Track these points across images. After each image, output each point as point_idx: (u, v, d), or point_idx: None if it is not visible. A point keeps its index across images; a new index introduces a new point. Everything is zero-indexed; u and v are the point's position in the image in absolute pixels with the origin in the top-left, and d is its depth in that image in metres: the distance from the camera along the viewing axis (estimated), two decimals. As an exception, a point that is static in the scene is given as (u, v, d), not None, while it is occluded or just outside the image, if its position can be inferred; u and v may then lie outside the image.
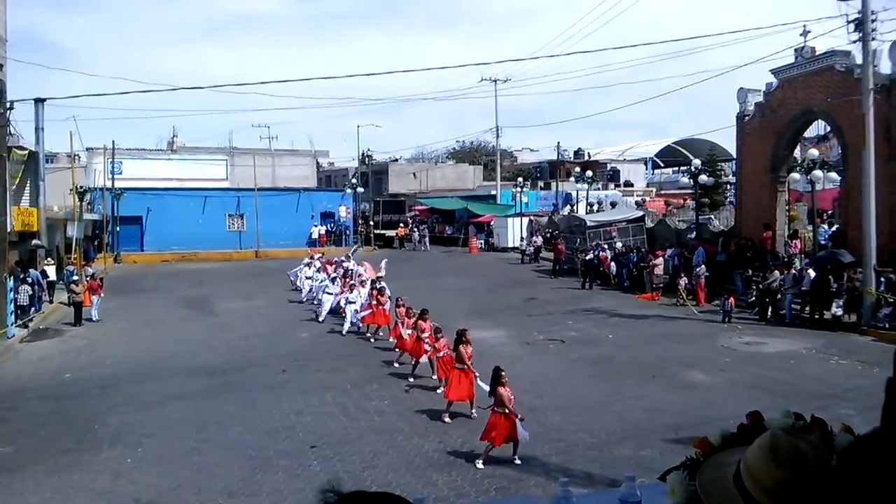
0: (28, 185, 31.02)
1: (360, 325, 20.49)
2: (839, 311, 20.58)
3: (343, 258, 28.68)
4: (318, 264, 28.09)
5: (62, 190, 37.22)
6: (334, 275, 25.46)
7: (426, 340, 15.14)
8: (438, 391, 14.19)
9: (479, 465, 10.23)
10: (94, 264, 34.34)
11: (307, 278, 27.43)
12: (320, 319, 22.67)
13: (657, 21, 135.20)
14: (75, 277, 24.65)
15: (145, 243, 47.46)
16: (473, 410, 12.49)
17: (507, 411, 10.37)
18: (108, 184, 45.54)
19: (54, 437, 12.10)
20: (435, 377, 14.73)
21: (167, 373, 16.55)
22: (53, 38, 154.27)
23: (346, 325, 20.65)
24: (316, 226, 51.05)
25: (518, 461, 10.33)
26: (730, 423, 2.32)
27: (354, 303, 20.84)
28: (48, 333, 22.18)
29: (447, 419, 12.44)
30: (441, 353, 14.28)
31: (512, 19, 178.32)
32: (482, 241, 48.51)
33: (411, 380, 15.07)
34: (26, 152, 29.22)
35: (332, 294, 23.15)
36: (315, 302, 24.95)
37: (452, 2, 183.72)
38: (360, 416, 13.00)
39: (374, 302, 19.88)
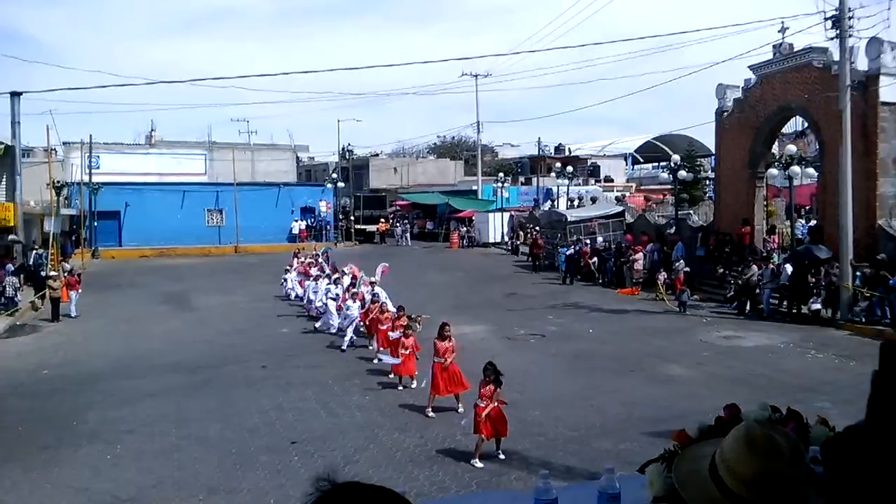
0: (4, 179, 30.70)
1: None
2: (817, 307, 20.79)
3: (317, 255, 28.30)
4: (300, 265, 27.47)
5: (39, 185, 36.87)
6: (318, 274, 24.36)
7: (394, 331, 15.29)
8: (400, 388, 14.27)
9: (478, 464, 10.13)
10: (71, 259, 34.05)
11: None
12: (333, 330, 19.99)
13: (637, 17, 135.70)
14: (53, 273, 24.45)
15: (123, 238, 47.08)
16: (460, 406, 12.51)
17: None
18: (86, 178, 45.13)
19: (32, 435, 11.99)
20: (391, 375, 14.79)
21: (146, 369, 16.43)
22: (31, 31, 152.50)
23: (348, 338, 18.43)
24: (296, 221, 50.88)
25: (501, 456, 10.32)
26: (708, 416, 2.36)
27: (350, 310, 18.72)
28: (25, 329, 21.97)
29: (430, 413, 12.46)
30: (407, 350, 14.34)
31: (493, 14, 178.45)
32: (463, 238, 48.23)
33: (391, 376, 15.06)
34: (2, 147, 28.92)
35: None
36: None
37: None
38: (341, 411, 12.98)
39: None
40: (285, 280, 26.97)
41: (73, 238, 43.08)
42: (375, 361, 16.23)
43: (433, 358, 12.84)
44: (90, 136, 48.11)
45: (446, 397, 12.70)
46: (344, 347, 17.96)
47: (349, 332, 18.31)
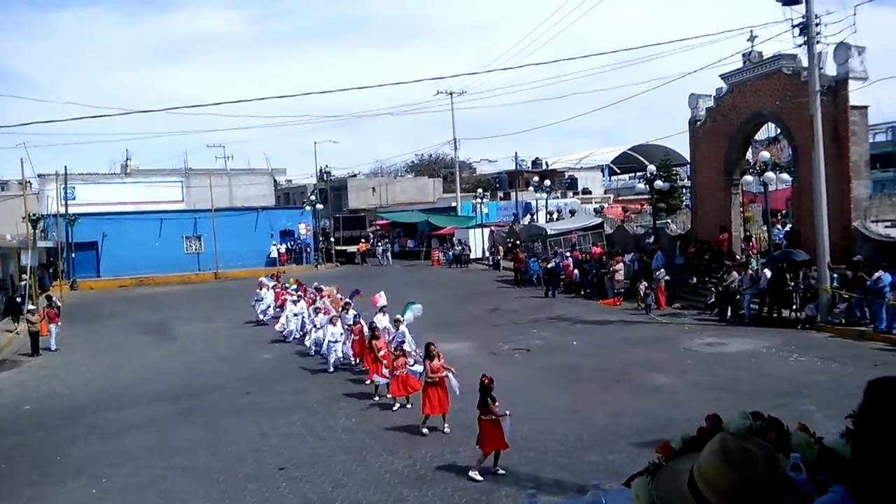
0: (-22, 214, 30.44)
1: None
2: (813, 313, 20.71)
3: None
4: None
5: (14, 218, 36.57)
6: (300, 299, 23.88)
7: (382, 359, 15.14)
8: (394, 409, 14.27)
9: (477, 476, 10.17)
10: (50, 291, 33.73)
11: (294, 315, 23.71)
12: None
13: (610, 31, 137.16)
14: (31, 307, 24.18)
15: (102, 269, 46.62)
16: (446, 425, 12.48)
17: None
18: (62, 210, 44.79)
19: (16, 471, 11.84)
20: (389, 395, 14.67)
21: (129, 400, 16.27)
22: (6, 63, 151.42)
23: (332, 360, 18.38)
24: (275, 244, 50.69)
25: (501, 471, 10.31)
26: (694, 424, 2.38)
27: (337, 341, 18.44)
28: (5, 365, 21.67)
29: (425, 431, 12.45)
30: (398, 372, 14.23)
31: (466, 33, 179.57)
32: (449, 257, 46.68)
33: (376, 398, 15.00)
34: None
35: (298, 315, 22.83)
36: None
37: (407, 18, 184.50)
38: (328, 435, 12.91)
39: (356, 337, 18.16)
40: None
41: (51, 270, 42.69)
42: (368, 382, 16.07)
43: (425, 378, 12.80)
44: (65, 167, 48.08)
45: (437, 416, 12.68)
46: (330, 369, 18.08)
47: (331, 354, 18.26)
